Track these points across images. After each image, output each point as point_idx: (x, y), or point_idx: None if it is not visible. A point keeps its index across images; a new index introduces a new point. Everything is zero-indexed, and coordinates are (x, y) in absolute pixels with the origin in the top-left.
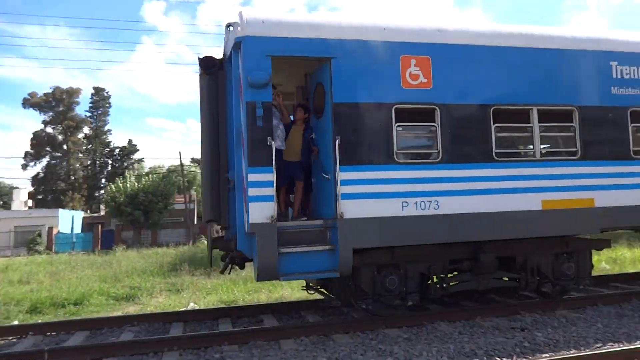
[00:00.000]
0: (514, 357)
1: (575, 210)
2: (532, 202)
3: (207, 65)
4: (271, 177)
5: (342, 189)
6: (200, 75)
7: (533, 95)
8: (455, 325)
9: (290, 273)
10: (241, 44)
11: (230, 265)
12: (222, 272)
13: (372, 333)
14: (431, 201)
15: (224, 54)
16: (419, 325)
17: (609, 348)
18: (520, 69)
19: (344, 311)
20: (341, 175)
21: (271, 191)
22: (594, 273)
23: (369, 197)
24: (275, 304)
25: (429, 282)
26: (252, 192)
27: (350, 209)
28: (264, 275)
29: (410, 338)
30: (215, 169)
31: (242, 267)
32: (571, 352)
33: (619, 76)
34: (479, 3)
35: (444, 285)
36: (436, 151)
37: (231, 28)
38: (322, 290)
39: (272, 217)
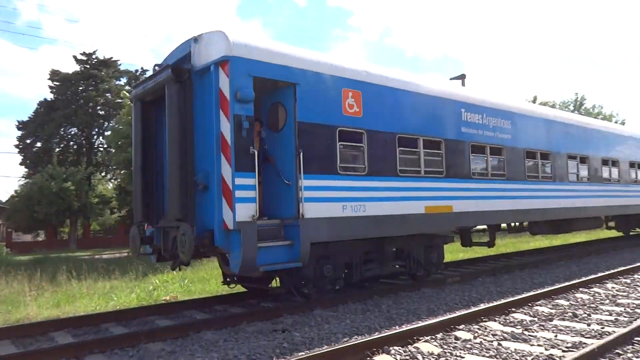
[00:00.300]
0: (274, 359)
1: (443, 214)
2: (419, 208)
3: (178, 74)
4: (253, 181)
5: (304, 194)
6: (168, 82)
7: (420, 128)
8: (222, 332)
9: (264, 264)
10: (228, 63)
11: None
12: (173, 269)
13: (133, 349)
14: (361, 205)
15: (191, 62)
16: (184, 336)
17: (353, 340)
18: (414, 108)
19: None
20: (303, 182)
21: (254, 194)
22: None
23: (322, 201)
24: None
25: (350, 270)
26: (238, 194)
27: (309, 210)
28: (245, 266)
29: (175, 350)
30: (184, 173)
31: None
32: (323, 347)
33: (465, 119)
34: (260, 16)
35: (360, 272)
36: (363, 166)
37: (198, 41)
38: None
39: (253, 216)
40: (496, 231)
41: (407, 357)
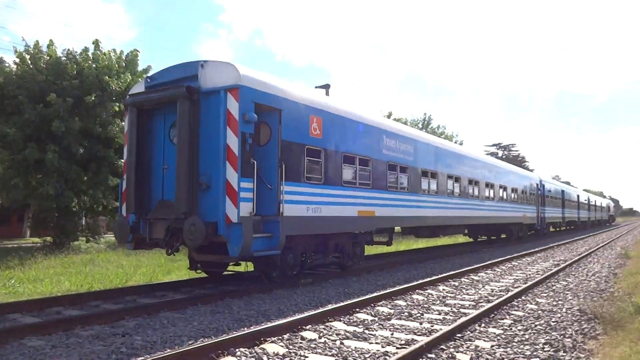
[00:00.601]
0: None
1: (368, 217)
2: (354, 211)
3: (190, 93)
4: (252, 185)
5: (284, 197)
6: (181, 99)
7: (357, 148)
8: (51, 338)
9: (256, 251)
10: (238, 90)
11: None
12: (169, 254)
13: None
14: (318, 207)
15: (199, 84)
16: (3, 344)
17: (199, 343)
18: (354, 132)
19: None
20: (284, 188)
21: (252, 195)
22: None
23: (294, 203)
24: None
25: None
26: (242, 195)
27: (287, 210)
28: (243, 252)
29: None
30: (190, 174)
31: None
32: (166, 351)
33: (385, 144)
34: (122, 2)
35: (309, 261)
36: (320, 176)
37: (205, 67)
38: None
39: (251, 212)
40: (392, 233)
41: (253, 359)
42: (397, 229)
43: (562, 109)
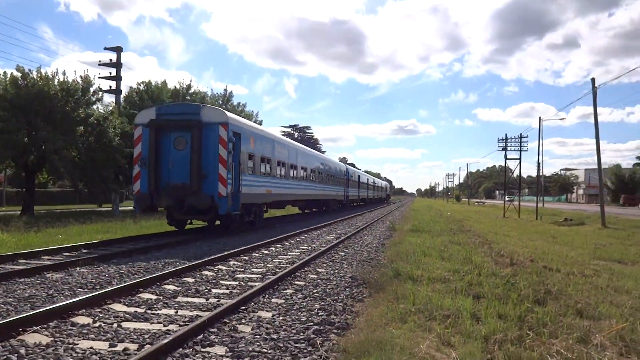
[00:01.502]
0: None
1: (268, 194)
2: (264, 190)
3: (199, 124)
4: (231, 175)
5: (242, 182)
6: (194, 127)
7: (268, 152)
8: None
9: (232, 211)
10: (227, 125)
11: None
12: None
13: None
14: (252, 188)
15: (201, 118)
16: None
17: None
18: (266, 144)
19: None
20: (242, 177)
21: (231, 181)
22: None
23: (246, 185)
24: None
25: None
26: (227, 181)
27: (243, 189)
28: (227, 212)
29: None
30: (198, 169)
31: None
32: None
33: (276, 148)
34: None
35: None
36: (252, 170)
37: (203, 108)
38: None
39: (230, 191)
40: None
41: (6, 353)
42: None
43: (350, 96)
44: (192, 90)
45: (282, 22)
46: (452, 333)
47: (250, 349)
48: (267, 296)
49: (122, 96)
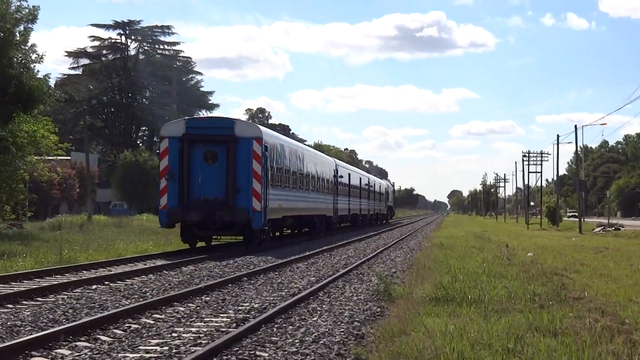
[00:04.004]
0: None
1: (281, 208)
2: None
3: (235, 139)
4: (265, 190)
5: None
6: (229, 142)
7: (304, 168)
8: None
9: (264, 225)
10: (261, 140)
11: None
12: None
13: None
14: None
15: (235, 133)
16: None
17: None
18: (299, 157)
19: None
20: (269, 191)
21: (265, 196)
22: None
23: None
24: None
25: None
26: (262, 196)
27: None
28: (261, 226)
29: None
30: (233, 183)
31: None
32: None
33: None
34: None
35: (278, 232)
36: (286, 184)
37: (236, 123)
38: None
39: (265, 205)
40: None
41: None
42: None
43: None
44: None
45: None
46: None
47: None
48: None
49: None
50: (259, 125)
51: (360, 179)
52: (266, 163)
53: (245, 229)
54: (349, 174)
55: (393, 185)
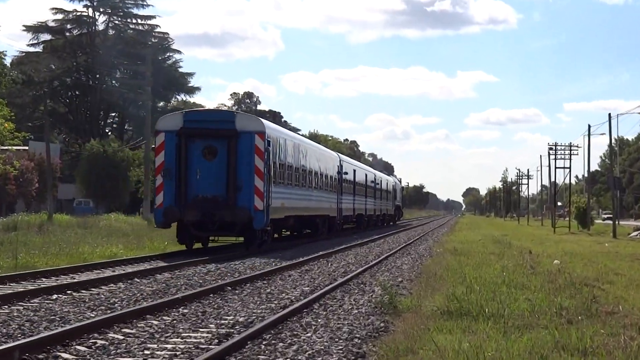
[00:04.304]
0: None
1: (284, 207)
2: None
3: (235, 133)
4: (267, 187)
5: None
6: (230, 136)
7: (307, 164)
8: None
9: (266, 225)
10: (263, 134)
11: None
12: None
13: None
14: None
15: (236, 127)
16: None
17: None
18: (301, 152)
19: None
20: (272, 189)
21: (266, 193)
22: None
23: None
24: None
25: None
26: (264, 194)
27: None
28: (263, 225)
29: None
30: (233, 180)
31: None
32: None
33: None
34: None
35: (276, 235)
36: (288, 181)
37: (237, 116)
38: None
39: (267, 204)
40: None
41: None
42: None
43: None
44: None
45: None
46: None
47: None
48: None
49: None
50: (261, 119)
51: (366, 175)
52: (269, 159)
53: (246, 229)
54: (354, 170)
55: (400, 182)
